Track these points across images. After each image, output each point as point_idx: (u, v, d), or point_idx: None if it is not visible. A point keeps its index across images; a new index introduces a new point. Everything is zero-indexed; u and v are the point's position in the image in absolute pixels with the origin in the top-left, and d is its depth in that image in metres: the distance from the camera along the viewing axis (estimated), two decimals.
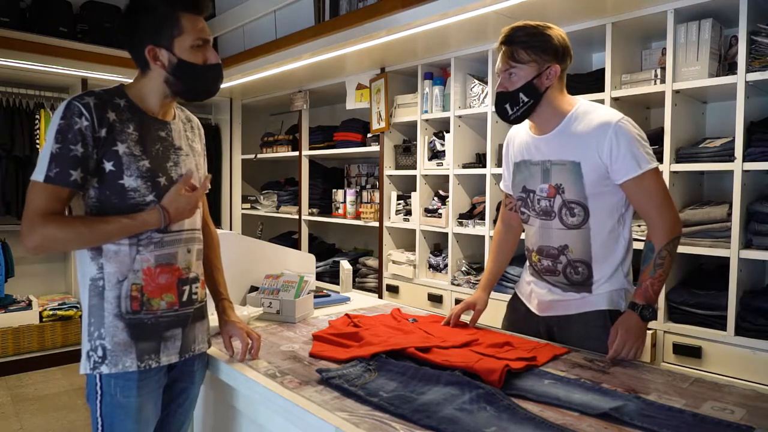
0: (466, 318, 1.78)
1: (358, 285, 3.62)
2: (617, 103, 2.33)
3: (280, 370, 1.37)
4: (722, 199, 2.18)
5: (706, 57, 2.09)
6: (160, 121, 1.36)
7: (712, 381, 1.30)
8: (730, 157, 2.03)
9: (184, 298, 1.36)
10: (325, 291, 2.27)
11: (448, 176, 3.07)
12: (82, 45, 3.74)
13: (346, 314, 1.83)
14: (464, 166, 3.02)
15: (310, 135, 4.15)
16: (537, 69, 1.49)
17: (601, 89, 2.35)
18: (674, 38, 2.16)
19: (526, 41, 1.49)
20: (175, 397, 1.44)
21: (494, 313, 1.88)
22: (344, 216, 3.82)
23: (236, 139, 4.77)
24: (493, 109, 2.76)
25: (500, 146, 2.80)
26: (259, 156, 4.58)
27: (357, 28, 2.68)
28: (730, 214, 2.03)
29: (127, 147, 1.26)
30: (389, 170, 3.43)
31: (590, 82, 2.41)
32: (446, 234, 3.06)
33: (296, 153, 4.19)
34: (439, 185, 3.27)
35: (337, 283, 2.89)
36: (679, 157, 2.19)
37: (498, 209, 2.79)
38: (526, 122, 1.66)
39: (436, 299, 3.07)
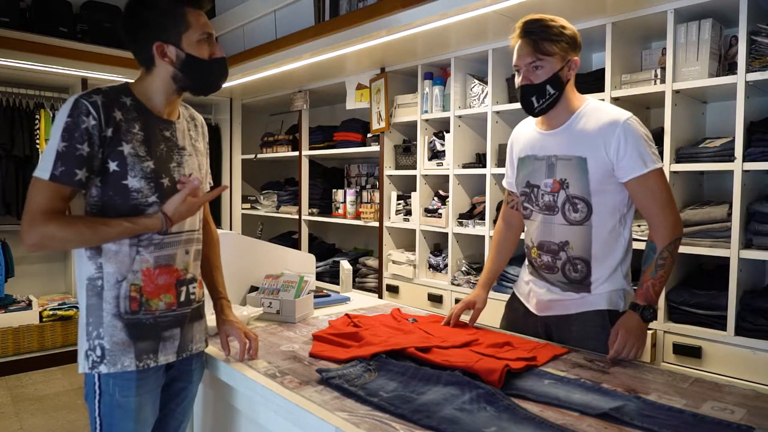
0: (465, 318, 1.79)
1: (358, 285, 3.62)
2: (617, 103, 2.33)
3: (280, 370, 1.37)
4: (722, 199, 2.18)
5: (706, 57, 2.09)
6: (165, 121, 1.36)
7: (712, 381, 1.30)
8: (730, 157, 2.03)
9: (182, 298, 1.36)
10: (325, 291, 2.27)
11: (448, 176, 3.07)
12: (82, 45, 3.74)
13: (346, 314, 1.83)
14: (464, 166, 3.02)
15: (310, 135, 4.15)
16: (561, 61, 1.51)
17: (601, 89, 2.35)
18: (674, 38, 2.16)
19: (548, 33, 1.49)
20: (173, 396, 1.44)
21: (494, 313, 1.88)
22: (344, 216, 3.82)
23: (236, 139, 4.77)
24: (493, 109, 2.80)
25: (500, 146, 2.83)
26: (259, 156, 4.58)
27: (357, 28, 2.68)
28: (730, 214, 2.03)
29: (132, 147, 1.26)
30: (389, 170, 3.43)
31: (590, 82, 2.41)
32: (446, 234, 3.06)
33: (296, 153, 4.19)
34: (439, 185, 3.27)
35: (337, 283, 2.89)
36: (679, 157, 2.19)
37: (498, 209, 2.80)
38: (532, 118, 1.68)
39: (436, 299, 3.07)
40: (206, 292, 1.55)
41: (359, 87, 3.58)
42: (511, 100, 2.84)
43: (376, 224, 3.48)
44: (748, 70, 1.98)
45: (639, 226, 2.22)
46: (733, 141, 2.04)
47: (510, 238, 1.88)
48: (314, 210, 4.14)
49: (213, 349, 1.53)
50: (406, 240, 3.46)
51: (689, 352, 2.09)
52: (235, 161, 4.78)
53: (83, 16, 4.01)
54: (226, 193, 4.72)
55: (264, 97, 4.45)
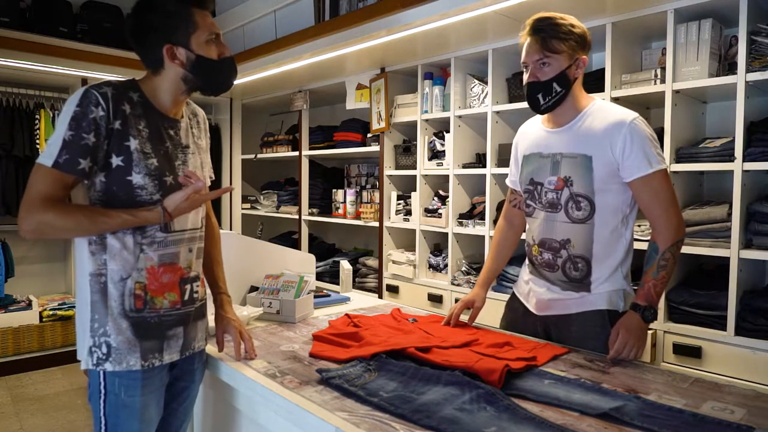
0: (465, 317, 1.79)
1: (358, 285, 3.62)
2: (617, 103, 2.32)
3: (280, 370, 1.37)
4: (722, 199, 2.18)
5: (706, 57, 2.09)
6: (170, 119, 1.36)
7: (712, 381, 1.30)
8: (730, 157, 2.03)
9: (186, 296, 1.37)
10: (325, 291, 2.27)
11: (448, 176, 3.07)
12: (82, 45, 3.74)
13: (346, 314, 1.83)
14: (464, 166, 3.02)
15: (310, 135, 4.15)
16: (569, 59, 1.52)
17: (601, 89, 2.35)
18: (674, 38, 2.16)
19: (557, 31, 1.50)
20: (176, 395, 1.44)
21: (494, 313, 1.88)
22: (344, 216, 3.82)
23: (236, 139, 4.77)
24: (493, 109, 2.80)
25: (500, 146, 2.83)
26: (259, 156, 4.58)
27: (357, 28, 2.68)
28: (730, 214, 2.03)
29: (138, 143, 1.26)
30: (389, 170, 3.43)
31: (590, 82, 2.41)
32: (446, 234, 3.06)
33: (296, 153, 4.19)
34: (439, 185, 3.27)
35: (337, 283, 2.88)
36: (679, 157, 2.19)
37: (498, 209, 2.80)
38: (538, 117, 1.69)
39: (436, 299, 3.07)
40: (208, 291, 1.55)
41: (359, 87, 3.58)
42: (511, 100, 2.84)
43: (376, 224, 3.48)
44: (748, 70, 1.98)
45: (639, 226, 2.22)
46: (733, 141, 2.04)
47: (511, 237, 1.88)
48: (314, 210, 4.14)
49: (213, 349, 1.53)
50: (406, 240, 3.46)
51: (689, 352, 2.09)
52: (235, 161, 4.78)
53: (83, 16, 4.01)
54: (226, 193, 4.72)
55: (264, 97, 4.45)
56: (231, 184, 4.75)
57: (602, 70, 2.38)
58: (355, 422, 1.06)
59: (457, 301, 2.93)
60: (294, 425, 1.19)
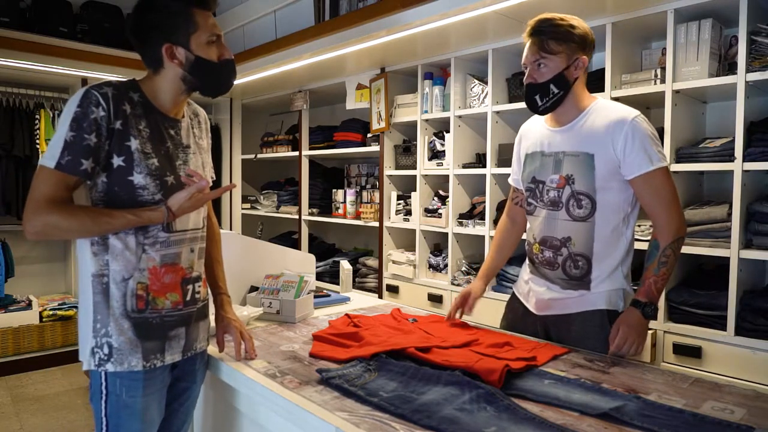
0: (465, 317, 1.79)
1: (358, 285, 3.62)
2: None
3: (280, 370, 1.37)
4: (722, 199, 2.18)
5: (706, 57, 2.09)
6: (170, 119, 1.36)
7: (712, 381, 1.30)
8: (730, 157, 2.03)
9: (188, 297, 1.37)
10: (325, 291, 2.27)
11: (448, 176, 3.07)
12: (82, 45, 3.74)
13: (346, 314, 1.83)
14: (464, 166, 3.02)
15: (310, 135, 4.15)
16: (566, 60, 1.52)
17: (601, 89, 2.35)
18: (674, 38, 2.16)
19: (555, 32, 1.51)
20: (177, 396, 1.44)
21: (494, 313, 1.88)
22: (344, 216, 3.82)
23: (236, 139, 4.77)
24: (493, 109, 2.80)
25: (500, 146, 2.83)
26: (259, 156, 4.58)
27: (357, 28, 2.68)
28: (730, 214, 2.03)
29: (139, 143, 1.26)
30: (389, 170, 3.43)
31: (590, 82, 2.38)
32: (446, 234, 3.06)
33: (296, 153, 4.19)
34: (439, 185, 3.27)
35: (337, 283, 2.89)
36: (679, 157, 2.19)
37: (498, 209, 2.80)
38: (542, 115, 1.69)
39: (436, 299, 3.07)
40: (209, 291, 1.55)
41: (359, 87, 3.58)
42: (511, 100, 2.84)
43: (376, 224, 3.48)
44: (748, 70, 1.98)
45: (639, 226, 2.22)
46: (733, 141, 2.04)
47: (513, 235, 1.88)
48: (314, 210, 4.14)
49: (213, 349, 1.53)
50: (406, 240, 3.46)
51: (689, 352, 2.09)
52: (235, 161, 4.78)
53: (83, 16, 4.01)
54: (226, 193, 4.72)
55: (264, 97, 4.45)
56: (231, 184, 4.74)
57: (602, 70, 2.38)
58: (355, 422, 1.06)
59: None
60: (294, 425, 1.19)
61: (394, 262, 3.36)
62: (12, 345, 3.68)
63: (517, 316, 1.75)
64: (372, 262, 3.64)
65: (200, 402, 1.69)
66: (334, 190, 3.99)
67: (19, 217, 3.83)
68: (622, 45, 2.36)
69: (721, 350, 2.03)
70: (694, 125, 2.36)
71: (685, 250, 2.10)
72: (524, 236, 1.79)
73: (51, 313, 3.86)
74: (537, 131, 1.70)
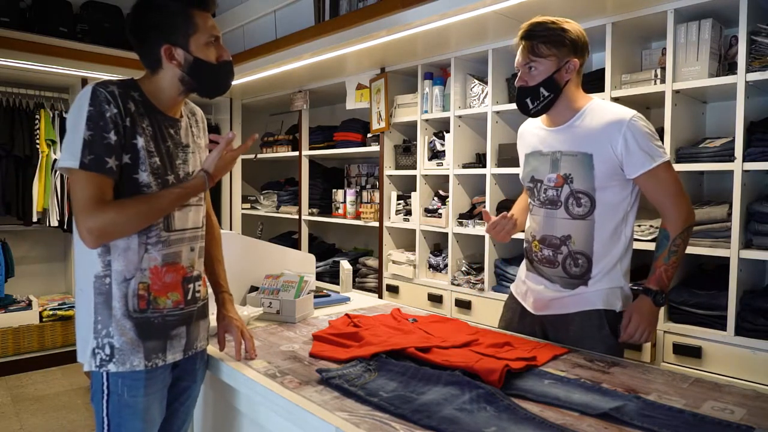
0: (467, 318, 1.78)
1: (358, 285, 3.62)
2: (617, 103, 2.32)
3: (280, 370, 1.37)
4: (722, 199, 2.18)
5: (706, 57, 2.09)
6: (170, 119, 1.37)
7: (712, 381, 1.30)
8: (730, 157, 2.03)
9: (189, 296, 1.37)
10: (325, 291, 2.27)
11: (448, 176, 3.07)
12: (82, 45, 3.74)
13: (346, 314, 1.83)
14: (464, 166, 3.02)
15: (310, 135, 4.15)
16: (557, 63, 1.53)
17: (601, 89, 2.34)
18: (674, 38, 2.16)
19: (545, 36, 1.52)
20: (177, 395, 1.44)
21: (494, 313, 1.88)
22: (344, 216, 3.82)
23: (236, 139, 4.77)
24: (493, 109, 2.80)
25: (500, 146, 2.83)
26: (259, 156, 4.58)
27: (357, 28, 2.68)
28: (730, 214, 2.03)
29: (143, 141, 1.27)
30: (389, 170, 3.43)
31: (590, 82, 2.41)
32: (446, 234, 3.06)
33: (296, 153, 4.19)
34: (439, 185, 3.27)
35: (337, 283, 2.89)
36: (679, 157, 2.19)
37: (498, 209, 2.80)
38: None
39: (436, 299, 3.07)
40: (209, 291, 1.55)
41: (359, 87, 3.58)
42: (511, 100, 2.84)
43: (376, 224, 3.48)
44: (748, 70, 1.98)
45: (639, 226, 2.22)
46: (733, 141, 2.04)
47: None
48: (314, 210, 4.14)
49: (213, 349, 1.53)
50: (406, 240, 3.46)
51: (689, 352, 2.09)
52: None
53: (83, 16, 4.01)
54: (226, 192, 4.72)
55: (264, 97, 4.45)
56: (231, 184, 4.74)
57: (602, 70, 2.38)
58: (355, 422, 1.06)
59: (457, 301, 2.95)
60: (294, 425, 1.19)
61: (394, 262, 3.36)
62: (12, 345, 3.68)
63: (514, 316, 1.76)
64: (372, 262, 3.64)
65: (200, 402, 1.69)
66: (334, 190, 3.99)
67: (18, 217, 3.83)
68: (622, 45, 2.36)
69: (721, 350, 2.03)
70: (694, 125, 2.36)
71: (686, 250, 2.11)
72: (521, 235, 1.79)
73: (51, 313, 3.86)
74: (534, 131, 1.71)
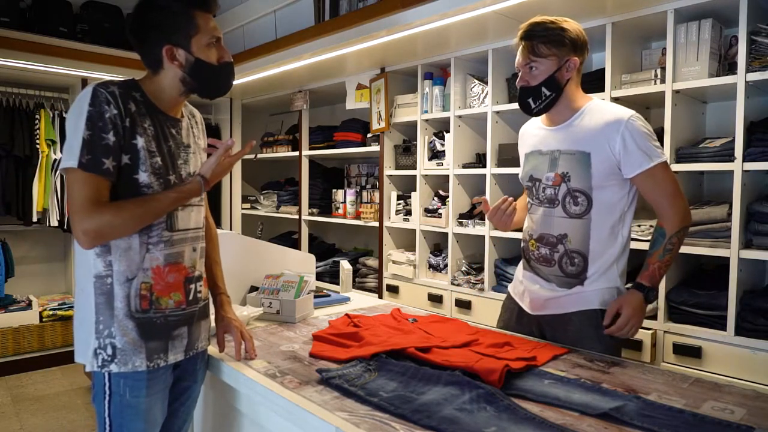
0: (467, 318, 1.78)
1: (358, 285, 3.62)
2: (617, 103, 2.32)
3: (280, 370, 1.37)
4: (722, 199, 2.18)
5: (706, 57, 2.09)
6: (172, 119, 1.37)
7: (712, 381, 1.30)
8: (730, 157, 2.03)
9: (191, 296, 1.37)
10: (325, 291, 2.27)
11: (448, 176, 3.07)
12: (82, 45, 3.74)
13: (346, 314, 1.83)
14: (464, 166, 3.02)
15: (310, 135, 4.15)
16: (557, 62, 1.54)
17: (601, 89, 2.34)
18: (674, 38, 2.16)
19: (545, 35, 1.53)
20: (178, 395, 1.45)
21: (494, 313, 1.88)
22: (344, 216, 3.82)
23: (236, 139, 4.77)
24: (493, 109, 2.80)
25: (500, 146, 2.83)
26: (259, 156, 4.58)
27: (357, 28, 2.68)
28: (730, 214, 2.03)
29: (144, 141, 1.27)
30: (389, 170, 3.43)
31: (590, 82, 2.41)
32: (446, 234, 3.06)
33: (296, 153, 4.19)
34: (439, 185, 3.27)
35: (337, 283, 2.89)
36: (679, 157, 2.19)
37: None
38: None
39: (436, 299, 3.07)
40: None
41: (359, 87, 3.58)
42: (511, 100, 2.84)
43: (376, 224, 3.48)
44: (748, 70, 1.98)
45: (639, 226, 2.22)
46: (733, 141, 2.04)
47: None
48: (314, 210, 4.14)
49: (213, 349, 1.53)
50: (406, 240, 3.46)
51: (689, 352, 2.09)
52: None
53: (83, 16, 4.01)
54: (226, 193, 4.72)
55: (264, 97, 4.45)
56: (231, 184, 4.74)
57: (602, 70, 2.38)
58: (355, 422, 1.06)
59: (457, 301, 2.95)
60: (294, 425, 1.19)
61: (394, 262, 3.35)
62: (12, 345, 3.68)
63: (512, 316, 1.76)
64: (372, 262, 3.64)
65: (200, 402, 1.69)
66: (334, 190, 3.99)
67: (18, 217, 3.83)
68: (622, 45, 2.36)
69: (721, 350, 2.03)
70: (694, 125, 2.35)
71: (685, 250, 2.11)
72: (520, 235, 1.80)
73: (51, 313, 3.86)
74: (534, 131, 1.73)
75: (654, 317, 2.17)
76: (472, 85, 2.97)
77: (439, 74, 3.18)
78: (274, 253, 2.19)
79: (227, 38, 3.81)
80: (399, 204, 3.39)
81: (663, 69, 2.24)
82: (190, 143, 1.41)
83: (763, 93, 2.13)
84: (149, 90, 1.33)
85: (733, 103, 2.02)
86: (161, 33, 1.29)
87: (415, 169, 3.25)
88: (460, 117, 3.02)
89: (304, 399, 1.18)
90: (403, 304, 2.30)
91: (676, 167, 2.16)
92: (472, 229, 2.93)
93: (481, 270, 2.91)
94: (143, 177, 1.26)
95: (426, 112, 3.17)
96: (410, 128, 3.40)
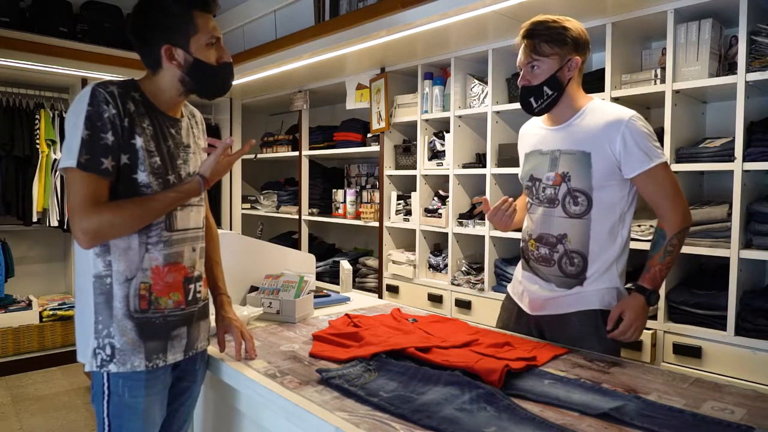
0: (467, 318, 1.78)
1: (358, 285, 3.62)
2: (617, 103, 2.32)
3: (280, 370, 1.37)
4: (722, 199, 2.18)
5: (706, 57, 2.09)
6: (171, 119, 1.37)
7: (712, 381, 1.30)
8: (730, 157, 2.03)
9: (190, 296, 1.37)
10: (325, 291, 2.27)
11: (448, 176, 3.07)
12: (82, 45, 3.74)
13: (346, 314, 1.83)
14: (464, 166, 3.02)
15: (310, 135, 4.15)
16: (559, 62, 1.54)
17: (601, 89, 2.34)
18: (674, 38, 2.16)
19: (547, 35, 1.53)
20: (177, 395, 1.44)
21: (494, 313, 1.88)
22: (344, 216, 3.82)
23: (236, 138, 4.77)
24: (493, 109, 2.80)
25: (500, 146, 2.83)
26: (259, 156, 4.58)
27: (357, 28, 2.68)
28: (730, 214, 2.03)
29: (143, 141, 1.27)
30: (389, 170, 3.43)
31: (590, 82, 2.41)
32: (446, 234, 3.06)
33: (296, 153, 4.19)
34: (439, 185, 3.27)
35: (337, 283, 2.89)
36: (679, 157, 2.19)
37: None
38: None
39: (436, 299, 3.07)
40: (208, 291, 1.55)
41: (359, 87, 3.58)
42: (511, 100, 2.84)
43: (376, 224, 3.48)
44: (748, 70, 1.98)
45: (639, 226, 2.22)
46: (733, 141, 2.04)
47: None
48: (314, 210, 4.14)
49: (213, 349, 1.53)
50: (406, 240, 3.46)
51: (689, 352, 2.09)
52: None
53: (83, 16, 4.01)
54: (226, 193, 4.72)
55: (264, 97, 4.45)
56: (231, 184, 4.74)
57: (602, 70, 2.38)
58: (355, 422, 1.06)
59: (457, 301, 2.95)
60: (294, 425, 1.19)
61: (394, 262, 3.36)
62: (12, 345, 3.68)
63: (511, 316, 1.76)
64: (372, 262, 3.64)
65: (201, 402, 1.69)
66: (334, 190, 3.99)
67: (18, 217, 3.83)
68: (622, 45, 2.36)
69: (721, 350, 2.03)
70: (694, 125, 2.35)
71: (685, 250, 2.10)
72: (519, 235, 1.79)
73: (51, 313, 3.86)
74: (534, 131, 1.73)
75: (654, 317, 2.17)
76: (472, 85, 2.97)
77: (439, 74, 3.18)
78: (274, 253, 2.19)
79: (227, 38, 3.80)
80: (399, 204, 3.39)
81: (663, 69, 2.24)
82: (189, 143, 1.41)
83: (763, 93, 2.13)
84: (148, 90, 1.33)
85: (733, 103, 2.02)
86: (160, 33, 1.29)
87: (415, 169, 3.25)
88: (460, 117, 3.02)
89: (304, 399, 1.18)
90: (403, 304, 2.30)
91: (676, 167, 2.16)
92: (472, 229, 2.93)
93: (481, 270, 2.91)
94: (142, 177, 1.26)
95: (426, 112, 3.17)
96: (410, 128, 3.40)
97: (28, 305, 3.84)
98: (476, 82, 2.94)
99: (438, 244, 3.29)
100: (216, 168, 1.34)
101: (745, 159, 1.99)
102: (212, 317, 1.55)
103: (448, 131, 3.05)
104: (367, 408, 1.14)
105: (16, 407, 3.15)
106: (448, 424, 1.04)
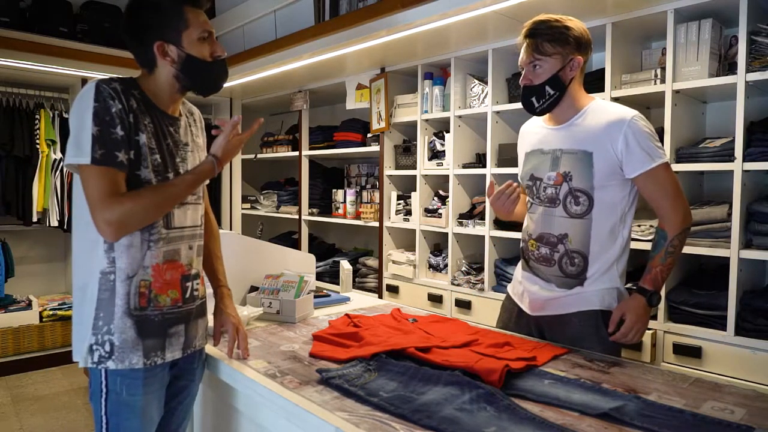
0: (467, 318, 1.78)
1: (358, 285, 3.62)
2: (617, 103, 2.32)
3: (280, 370, 1.37)
4: (722, 199, 2.18)
5: (706, 57, 2.09)
6: (170, 117, 1.37)
7: (712, 381, 1.30)
8: (730, 157, 2.03)
9: (187, 294, 1.37)
10: (325, 291, 2.27)
11: (448, 176, 3.07)
12: (82, 45, 3.74)
13: (346, 314, 1.83)
14: (464, 166, 3.02)
15: (310, 135, 4.15)
16: (561, 61, 1.53)
17: (601, 89, 2.35)
18: (674, 38, 2.16)
19: (549, 34, 1.52)
20: (176, 394, 1.44)
21: (494, 313, 1.88)
22: (344, 216, 3.82)
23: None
24: (493, 109, 2.80)
25: (500, 146, 2.83)
26: (259, 156, 4.58)
27: (357, 28, 2.68)
28: (730, 214, 2.03)
29: (146, 138, 1.27)
30: (389, 170, 3.43)
31: (590, 82, 2.40)
32: (446, 234, 3.06)
33: (296, 153, 4.19)
34: (439, 185, 3.27)
35: (337, 283, 2.88)
36: (679, 157, 2.19)
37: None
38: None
39: (436, 299, 3.07)
40: (209, 291, 1.55)
41: (359, 87, 3.58)
42: (511, 100, 2.84)
43: (376, 224, 3.48)
44: (748, 70, 1.98)
45: (639, 226, 2.22)
46: (733, 141, 2.04)
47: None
48: (314, 210, 4.14)
49: (213, 349, 1.53)
50: (406, 240, 3.46)
51: (689, 352, 2.09)
52: (234, 161, 4.77)
53: (83, 16, 4.01)
54: (226, 192, 4.72)
55: (264, 97, 4.45)
56: (231, 184, 4.74)
57: (602, 70, 2.38)
58: (355, 422, 1.06)
59: (457, 301, 2.95)
60: (294, 425, 1.19)
61: (394, 262, 3.35)
62: (12, 345, 3.68)
63: (511, 316, 1.76)
64: (372, 262, 3.64)
65: (200, 402, 1.69)
66: (334, 190, 3.99)
67: (18, 217, 3.83)
68: (622, 45, 2.36)
69: (721, 350, 2.03)
70: (694, 125, 2.35)
71: (686, 250, 2.09)
72: (518, 234, 1.79)
73: (51, 313, 3.85)
74: (535, 131, 1.72)
75: (654, 317, 2.17)
76: (472, 85, 2.97)
77: (439, 74, 3.18)
78: (274, 253, 2.19)
79: (227, 38, 3.82)
80: (399, 204, 3.39)
81: (663, 69, 2.24)
82: (188, 141, 1.41)
83: (763, 93, 2.13)
84: (147, 89, 1.34)
85: (733, 103, 2.02)
86: (152, 30, 1.30)
87: (415, 169, 3.25)
88: (460, 117, 3.02)
89: (304, 399, 1.18)
90: (403, 304, 2.30)
91: (676, 167, 2.16)
92: (472, 229, 2.93)
93: (481, 270, 2.91)
94: (145, 173, 1.27)
95: (426, 112, 3.17)
96: (410, 128, 3.40)
97: (28, 305, 3.84)
98: (476, 82, 2.94)
99: (438, 244, 3.29)
100: (227, 147, 1.35)
101: (745, 159, 1.99)
102: (210, 310, 1.55)
103: (448, 131, 3.05)
104: (367, 408, 1.14)
105: (16, 407, 3.15)
106: (448, 424, 1.04)
